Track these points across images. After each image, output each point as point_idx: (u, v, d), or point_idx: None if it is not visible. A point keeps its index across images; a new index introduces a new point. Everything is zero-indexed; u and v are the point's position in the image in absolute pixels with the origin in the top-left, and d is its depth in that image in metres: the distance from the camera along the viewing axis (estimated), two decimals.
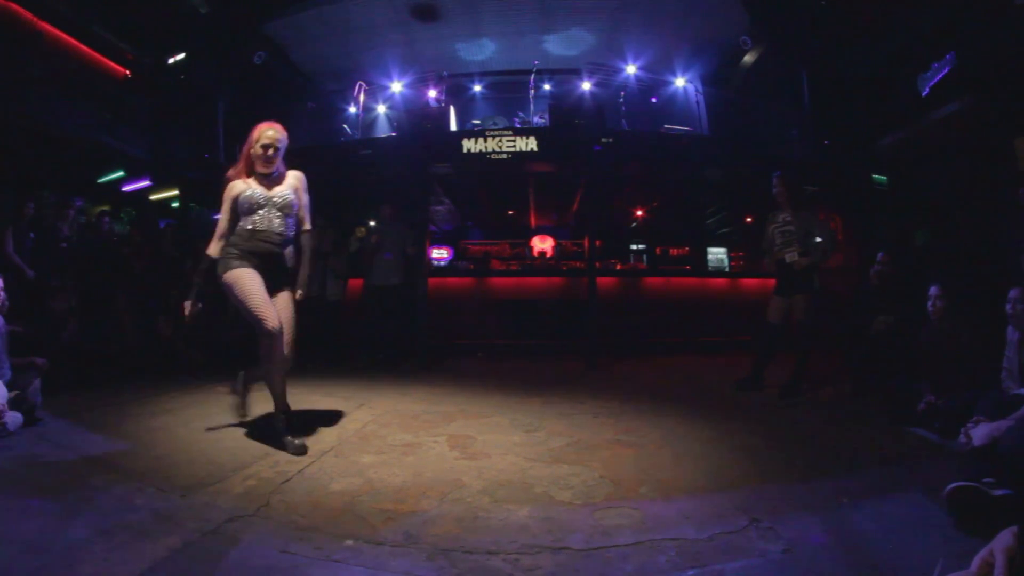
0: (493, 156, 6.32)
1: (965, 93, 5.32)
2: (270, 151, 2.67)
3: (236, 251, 2.60)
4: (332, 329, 5.80)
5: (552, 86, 8.36)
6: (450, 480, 2.11)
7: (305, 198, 2.79)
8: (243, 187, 2.67)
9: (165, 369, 4.84)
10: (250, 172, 2.70)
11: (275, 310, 2.50)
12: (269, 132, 2.68)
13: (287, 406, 2.65)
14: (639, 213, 10.07)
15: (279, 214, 2.66)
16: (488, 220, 10.49)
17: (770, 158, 6.96)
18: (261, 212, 2.63)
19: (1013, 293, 2.60)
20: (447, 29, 8.19)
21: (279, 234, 2.66)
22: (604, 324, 5.74)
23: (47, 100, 6.30)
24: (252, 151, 2.68)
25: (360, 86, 8.52)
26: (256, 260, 2.58)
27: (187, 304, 2.64)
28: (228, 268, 2.56)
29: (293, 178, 2.79)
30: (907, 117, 6.20)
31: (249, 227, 2.61)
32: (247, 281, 2.51)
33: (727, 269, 8.18)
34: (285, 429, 2.56)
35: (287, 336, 2.57)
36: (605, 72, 8.36)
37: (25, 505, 1.84)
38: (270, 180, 2.70)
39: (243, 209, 2.63)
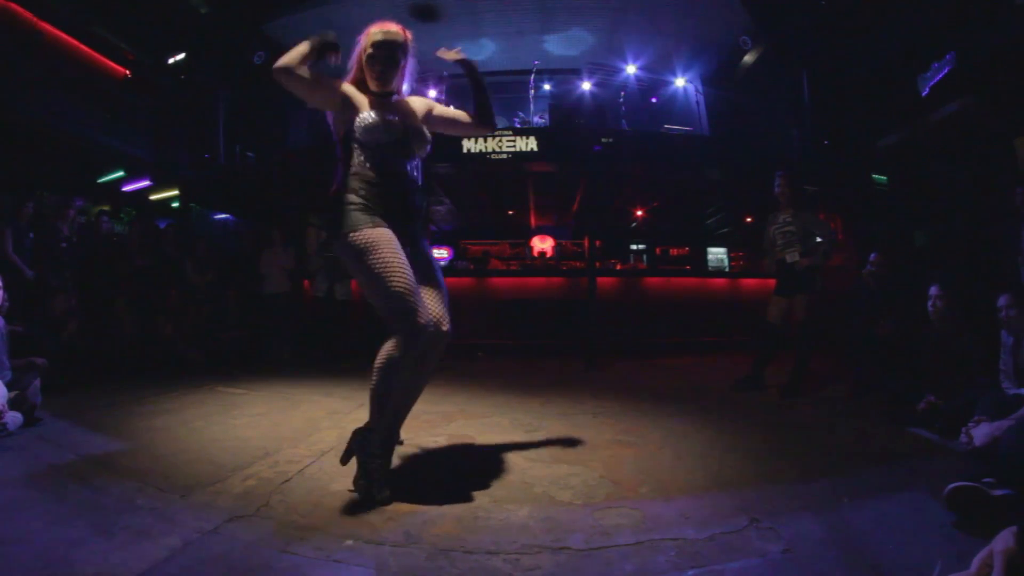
0: (493, 156, 6.34)
1: (965, 93, 5.33)
2: (384, 52, 1.92)
3: (359, 198, 1.85)
4: (339, 328, 5.81)
5: (552, 86, 8.38)
6: (450, 480, 2.11)
7: (450, 110, 2.16)
8: (360, 100, 1.94)
9: (165, 369, 4.84)
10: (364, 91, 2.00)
11: (423, 297, 1.81)
12: (385, 27, 1.93)
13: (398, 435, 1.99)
14: (639, 213, 10.08)
15: (402, 154, 1.94)
16: (488, 220, 10.50)
17: (770, 158, 6.97)
18: (374, 145, 1.90)
19: (1002, 300, 2.62)
20: (447, 29, 8.20)
21: (412, 179, 1.96)
22: (604, 324, 5.74)
23: (47, 100, 6.31)
24: (362, 58, 1.96)
25: None
26: (383, 211, 1.85)
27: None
28: (355, 225, 1.81)
29: (420, 104, 2.09)
30: (907, 117, 6.20)
31: (369, 164, 1.88)
32: (385, 250, 1.77)
33: (727, 269, 8.19)
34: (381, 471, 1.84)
35: (444, 324, 1.83)
36: (605, 72, 8.38)
37: (25, 505, 1.84)
38: (387, 106, 1.97)
39: (360, 135, 1.89)
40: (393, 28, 1.96)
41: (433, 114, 2.13)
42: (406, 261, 1.80)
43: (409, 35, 1.99)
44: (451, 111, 2.18)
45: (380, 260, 1.76)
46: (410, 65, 2.03)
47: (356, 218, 1.81)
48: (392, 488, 1.86)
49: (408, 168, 1.96)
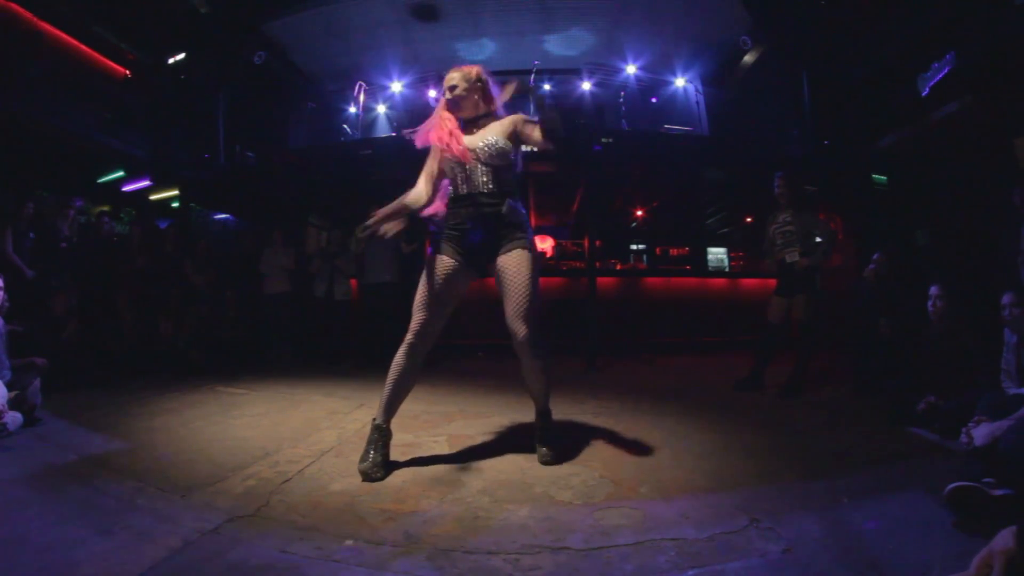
0: None
1: (965, 93, 5.32)
2: (451, 93, 2.28)
3: (444, 226, 2.29)
4: (339, 328, 5.81)
5: (552, 86, 8.35)
6: (450, 480, 2.11)
7: (531, 130, 2.26)
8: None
9: (165, 369, 4.84)
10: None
11: (433, 318, 2.21)
12: (451, 74, 2.30)
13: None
14: (639, 213, 10.07)
15: (485, 168, 2.22)
16: None
17: (770, 158, 6.96)
18: (460, 169, 2.24)
19: (1006, 299, 2.62)
20: (447, 29, 8.19)
21: (488, 193, 2.22)
22: (604, 324, 5.74)
23: (47, 100, 6.29)
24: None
25: (360, 86, 8.53)
26: (460, 232, 2.25)
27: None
28: (433, 249, 2.29)
29: (508, 122, 2.31)
30: (907, 117, 6.19)
31: (452, 192, 2.29)
32: (427, 274, 2.23)
33: (727, 269, 8.18)
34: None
35: (521, 332, 2.15)
36: (605, 72, 8.36)
37: (25, 505, 1.84)
38: (476, 127, 2.32)
39: (446, 168, 2.28)
40: (463, 68, 2.31)
41: (517, 126, 2.30)
42: (440, 287, 2.21)
43: (476, 69, 2.32)
44: (531, 131, 2.33)
45: (422, 280, 2.24)
46: (478, 88, 2.32)
47: (436, 242, 2.29)
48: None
49: (480, 184, 2.27)
